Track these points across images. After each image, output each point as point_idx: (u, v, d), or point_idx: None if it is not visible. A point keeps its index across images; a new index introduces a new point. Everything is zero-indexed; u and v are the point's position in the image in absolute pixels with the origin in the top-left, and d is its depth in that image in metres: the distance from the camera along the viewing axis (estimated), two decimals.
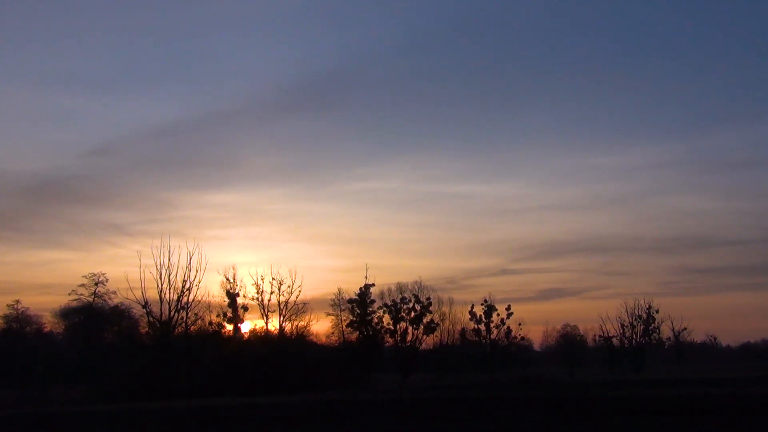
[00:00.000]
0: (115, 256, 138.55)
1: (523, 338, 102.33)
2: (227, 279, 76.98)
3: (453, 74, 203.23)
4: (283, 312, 78.64)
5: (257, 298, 78.09)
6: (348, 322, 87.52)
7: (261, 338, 78.35)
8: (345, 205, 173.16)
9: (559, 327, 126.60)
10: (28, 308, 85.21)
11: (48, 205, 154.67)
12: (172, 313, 71.42)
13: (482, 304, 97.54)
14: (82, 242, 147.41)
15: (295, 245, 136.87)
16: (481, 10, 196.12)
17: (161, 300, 70.87)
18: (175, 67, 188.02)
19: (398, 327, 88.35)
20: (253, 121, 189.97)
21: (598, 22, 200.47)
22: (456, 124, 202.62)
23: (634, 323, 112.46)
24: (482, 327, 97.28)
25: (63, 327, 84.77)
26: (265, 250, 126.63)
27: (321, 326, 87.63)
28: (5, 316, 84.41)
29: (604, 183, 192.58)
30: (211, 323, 76.69)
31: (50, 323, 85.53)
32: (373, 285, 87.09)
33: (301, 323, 79.88)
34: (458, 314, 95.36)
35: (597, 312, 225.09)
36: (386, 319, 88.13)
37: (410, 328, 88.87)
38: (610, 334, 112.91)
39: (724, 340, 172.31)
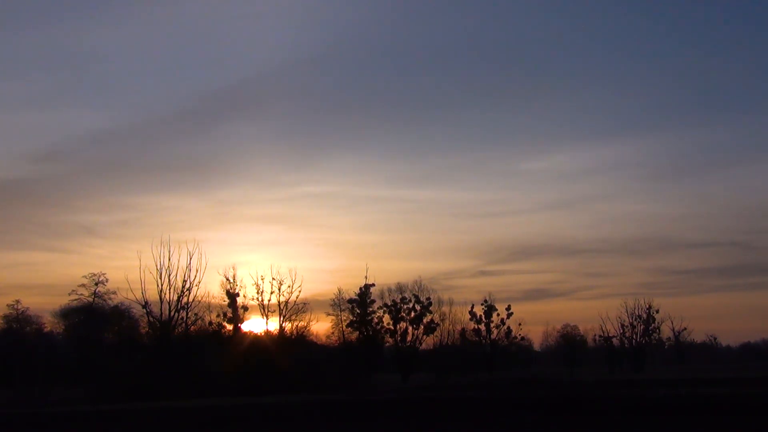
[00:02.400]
0: (92, 256, 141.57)
1: (523, 338, 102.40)
2: (227, 279, 77.02)
3: (388, 81, 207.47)
4: (283, 312, 78.67)
5: (257, 298, 78.13)
6: (348, 322, 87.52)
7: (261, 338, 78.31)
8: (292, 207, 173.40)
9: (559, 327, 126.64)
10: (28, 308, 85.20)
11: (5, 208, 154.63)
12: (172, 313, 71.39)
13: (482, 304, 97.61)
14: (54, 244, 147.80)
15: (257, 247, 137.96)
16: (413, 15, 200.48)
17: (161, 300, 70.88)
18: (104, 76, 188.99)
19: (398, 327, 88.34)
20: (191, 127, 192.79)
21: (532, 28, 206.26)
22: (386, 130, 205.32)
23: (634, 323, 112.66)
24: (482, 327, 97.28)
25: (63, 327, 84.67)
26: (232, 252, 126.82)
27: (321, 326, 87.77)
28: (5, 316, 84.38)
29: (538, 187, 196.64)
30: (211, 323, 76.71)
31: (50, 323, 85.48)
32: (373, 285, 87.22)
33: (301, 323, 79.92)
34: (458, 314, 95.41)
35: (584, 313, 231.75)
36: (386, 319, 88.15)
37: (410, 328, 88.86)
38: (610, 334, 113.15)
39: (724, 340, 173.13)
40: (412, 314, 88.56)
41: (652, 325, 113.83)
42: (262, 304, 77.95)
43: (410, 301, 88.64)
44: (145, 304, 70.68)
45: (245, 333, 78.02)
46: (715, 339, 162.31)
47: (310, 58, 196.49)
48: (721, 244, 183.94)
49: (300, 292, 78.61)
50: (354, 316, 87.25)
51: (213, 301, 75.90)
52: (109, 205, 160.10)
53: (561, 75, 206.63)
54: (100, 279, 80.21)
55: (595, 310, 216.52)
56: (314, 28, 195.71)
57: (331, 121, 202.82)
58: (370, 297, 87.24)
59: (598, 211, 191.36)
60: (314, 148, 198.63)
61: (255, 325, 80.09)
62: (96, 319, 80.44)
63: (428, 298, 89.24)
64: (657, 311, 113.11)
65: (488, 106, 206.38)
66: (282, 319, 78.80)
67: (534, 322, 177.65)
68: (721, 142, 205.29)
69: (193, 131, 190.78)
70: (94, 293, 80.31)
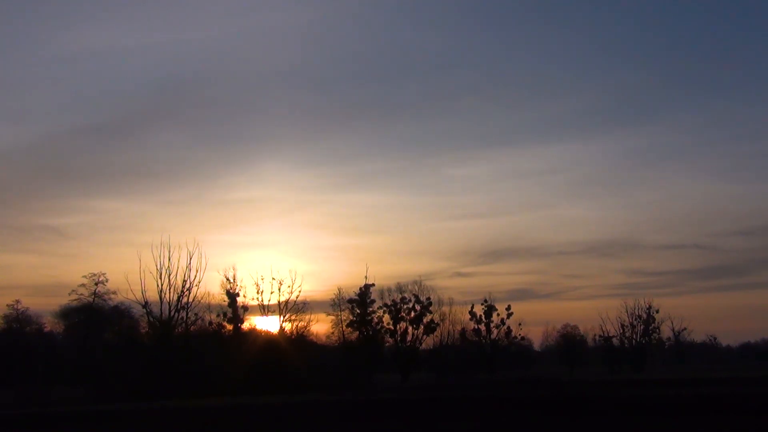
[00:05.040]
0: (65, 257, 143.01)
1: (523, 338, 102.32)
2: (227, 279, 76.91)
3: (308, 91, 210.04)
4: (283, 312, 78.59)
5: (257, 299, 78.01)
6: (348, 322, 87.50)
7: (261, 338, 78.26)
8: (231, 210, 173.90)
9: (559, 327, 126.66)
10: (28, 308, 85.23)
11: None
12: (173, 313, 71.36)
13: (482, 304, 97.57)
14: (25, 245, 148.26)
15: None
16: (341, 23, 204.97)
17: (161, 300, 70.86)
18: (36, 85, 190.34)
19: (398, 327, 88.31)
20: (117, 133, 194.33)
21: (457, 39, 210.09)
22: (305, 138, 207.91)
23: (634, 323, 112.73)
24: (482, 327, 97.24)
25: (63, 327, 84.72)
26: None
27: (321, 327, 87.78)
28: (5, 316, 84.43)
29: (471, 193, 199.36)
30: (211, 323, 76.64)
31: (50, 323, 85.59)
32: (373, 285, 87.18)
33: (301, 323, 79.87)
34: (458, 314, 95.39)
35: (570, 313, 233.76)
36: (386, 319, 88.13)
37: (410, 328, 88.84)
38: (610, 334, 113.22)
39: (724, 340, 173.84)
40: (412, 314, 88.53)
41: (652, 325, 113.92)
42: (262, 305, 77.94)
43: (410, 301, 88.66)
44: (145, 304, 70.71)
45: (245, 333, 78.02)
46: (715, 339, 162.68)
47: (239, 67, 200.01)
48: (687, 246, 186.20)
49: (300, 291, 78.52)
50: (354, 316, 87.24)
51: (213, 301, 75.93)
52: (67, 208, 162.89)
53: (487, 84, 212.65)
54: (100, 279, 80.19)
55: (582, 311, 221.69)
56: (235, 36, 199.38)
57: (252, 129, 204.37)
58: (370, 297, 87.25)
59: (544, 217, 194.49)
60: (239, 155, 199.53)
61: (255, 324, 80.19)
62: (96, 319, 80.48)
63: (428, 298, 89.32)
64: (657, 311, 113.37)
65: (414, 115, 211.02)
66: (282, 319, 78.84)
67: (533, 322, 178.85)
68: (645, 147, 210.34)
69: (124, 139, 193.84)
70: (94, 293, 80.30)
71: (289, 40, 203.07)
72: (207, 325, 76.40)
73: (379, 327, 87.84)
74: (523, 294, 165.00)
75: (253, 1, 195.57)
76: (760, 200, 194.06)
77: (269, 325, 78.98)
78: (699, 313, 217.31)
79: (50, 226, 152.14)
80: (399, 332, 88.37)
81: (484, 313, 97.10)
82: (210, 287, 76.92)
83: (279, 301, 78.07)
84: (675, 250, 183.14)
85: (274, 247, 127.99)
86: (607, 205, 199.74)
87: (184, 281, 71.41)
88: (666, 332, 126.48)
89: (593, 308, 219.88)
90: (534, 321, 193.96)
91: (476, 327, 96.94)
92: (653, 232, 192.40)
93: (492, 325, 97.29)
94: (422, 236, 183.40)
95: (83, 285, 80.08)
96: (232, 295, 76.65)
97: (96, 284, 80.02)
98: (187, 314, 72.57)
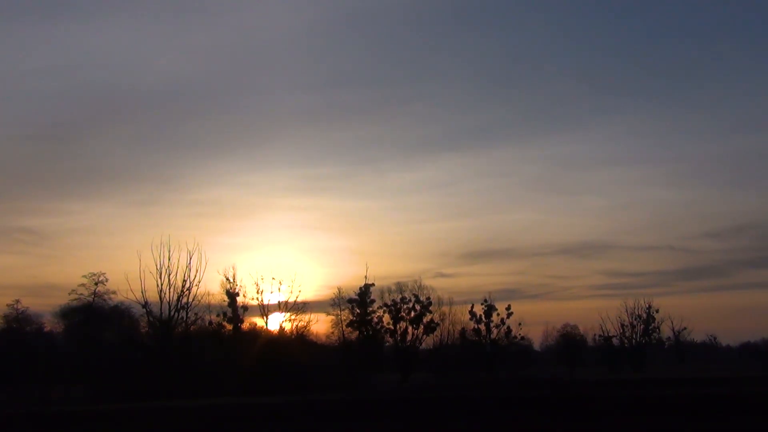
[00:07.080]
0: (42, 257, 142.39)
1: (523, 338, 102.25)
2: (227, 279, 76.89)
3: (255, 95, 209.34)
4: (283, 311, 78.57)
5: (257, 298, 77.98)
6: (348, 321, 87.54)
7: (261, 338, 78.30)
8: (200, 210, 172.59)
9: (558, 327, 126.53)
10: (27, 308, 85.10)
11: None
12: (172, 313, 71.39)
13: (482, 304, 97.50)
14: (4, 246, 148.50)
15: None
16: (289, 27, 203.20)
17: (161, 300, 70.86)
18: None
19: (398, 327, 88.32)
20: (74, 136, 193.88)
21: (395, 46, 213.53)
22: (265, 141, 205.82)
23: (634, 323, 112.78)
24: (482, 327, 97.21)
25: (63, 327, 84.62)
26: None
27: (320, 327, 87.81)
28: (5, 316, 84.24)
29: (425, 197, 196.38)
30: (211, 323, 76.65)
31: (50, 323, 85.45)
32: (373, 285, 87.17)
33: (301, 323, 79.88)
34: (458, 314, 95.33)
35: (565, 312, 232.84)
36: (386, 318, 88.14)
37: (410, 328, 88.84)
38: (610, 334, 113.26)
39: (724, 340, 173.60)
40: (412, 314, 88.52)
41: (652, 324, 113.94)
42: (262, 304, 77.92)
43: (410, 300, 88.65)
44: (145, 304, 70.75)
45: (245, 333, 78.06)
46: (715, 339, 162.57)
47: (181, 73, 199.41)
48: (661, 248, 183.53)
49: (300, 291, 78.47)
50: (354, 316, 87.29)
51: (213, 300, 75.90)
52: (38, 211, 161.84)
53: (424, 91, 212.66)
54: (100, 279, 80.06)
55: (574, 310, 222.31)
56: (182, 43, 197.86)
57: (206, 133, 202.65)
58: (369, 297, 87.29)
59: (511, 220, 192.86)
60: (185, 158, 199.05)
61: (255, 324, 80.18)
62: (96, 319, 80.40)
63: (428, 298, 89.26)
64: (657, 311, 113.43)
65: (362, 120, 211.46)
66: (282, 318, 78.85)
67: (533, 322, 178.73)
68: (594, 151, 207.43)
69: (77, 143, 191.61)
70: (94, 293, 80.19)
71: (239, 48, 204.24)
72: (207, 324, 76.46)
73: (379, 327, 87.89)
74: (510, 294, 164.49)
75: (203, 11, 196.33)
76: (720, 203, 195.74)
77: (269, 324, 79.11)
78: (689, 313, 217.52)
79: (27, 228, 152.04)
80: (399, 332, 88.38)
81: (484, 312, 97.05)
82: (210, 287, 77.08)
83: (279, 301, 78.20)
84: (650, 251, 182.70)
85: (257, 250, 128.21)
86: (568, 209, 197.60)
87: (184, 281, 71.49)
88: (666, 332, 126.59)
89: (583, 308, 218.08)
90: (527, 321, 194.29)
91: (476, 327, 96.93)
92: (624, 234, 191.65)
93: (492, 324, 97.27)
94: (392, 238, 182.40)
95: (83, 285, 79.96)
96: (231, 295, 76.67)
97: (96, 284, 79.91)
98: (187, 314, 72.65)
